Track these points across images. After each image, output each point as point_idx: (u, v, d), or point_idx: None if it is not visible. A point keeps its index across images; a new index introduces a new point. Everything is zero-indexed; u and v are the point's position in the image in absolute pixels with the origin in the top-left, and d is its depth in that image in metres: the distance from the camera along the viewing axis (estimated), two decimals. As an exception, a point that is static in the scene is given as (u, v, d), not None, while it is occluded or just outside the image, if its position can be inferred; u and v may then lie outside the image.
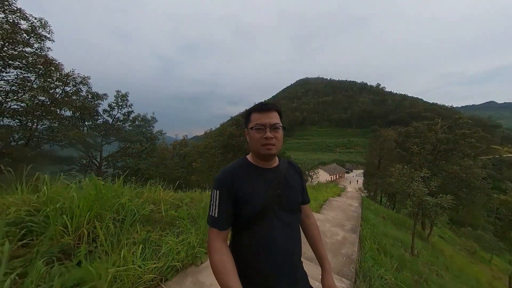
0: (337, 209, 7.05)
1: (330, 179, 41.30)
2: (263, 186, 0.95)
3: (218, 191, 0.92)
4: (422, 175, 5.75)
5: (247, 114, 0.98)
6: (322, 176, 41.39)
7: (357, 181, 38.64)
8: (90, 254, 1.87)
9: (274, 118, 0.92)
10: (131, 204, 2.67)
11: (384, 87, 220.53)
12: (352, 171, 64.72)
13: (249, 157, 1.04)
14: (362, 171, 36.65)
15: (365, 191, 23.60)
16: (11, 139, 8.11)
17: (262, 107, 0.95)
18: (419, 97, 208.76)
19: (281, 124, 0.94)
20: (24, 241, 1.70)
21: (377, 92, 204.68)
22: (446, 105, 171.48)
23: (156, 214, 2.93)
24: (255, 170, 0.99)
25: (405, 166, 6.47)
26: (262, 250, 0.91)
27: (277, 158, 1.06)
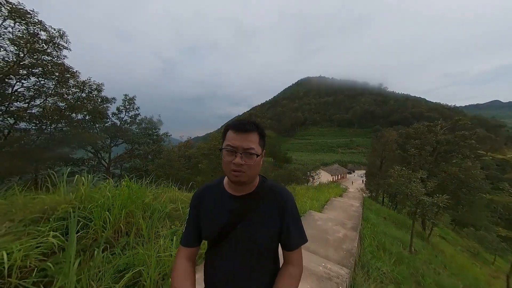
0: (339, 209, 7.27)
1: (332, 180, 41.41)
2: (223, 214, 0.87)
3: (189, 209, 0.95)
4: (419, 176, 6.04)
5: (225, 130, 0.85)
6: (324, 176, 41.50)
7: (363, 180, 38.59)
8: (127, 245, 2.22)
9: (250, 141, 0.79)
10: (156, 203, 3.05)
11: (386, 87, 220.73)
12: (354, 171, 64.63)
13: (226, 178, 0.94)
14: (364, 171, 36.69)
15: (367, 192, 23.77)
16: (32, 141, 8.66)
17: (239, 127, 0.81)
18: (422, 97, 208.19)
19: (256, 151, 0.79)
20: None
21: (379, 92, 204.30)
22: (450, 104, 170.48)
23: (174, 212, 3.28)
24: (223, 195, 0.91)
25: (403, 168, 6.75)
26: (208, 277, 0.91)
27: (257, 184, 0.92)
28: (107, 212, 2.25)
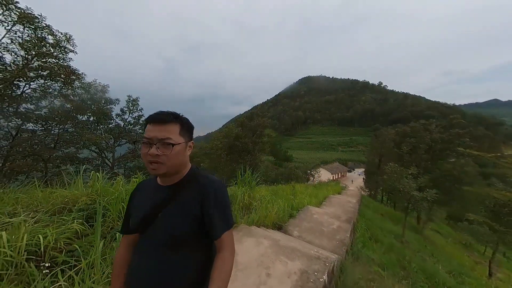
0: (336, 205, 7.54)
1: (332, 178, 41.58)
2: (148, 204, 0.86)
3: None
4: (410, 172, 6.33)
5: (145, 124, 0.84)
6: (324, 175, 41.66)
7: (363, 179, 38.83)
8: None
9: (165, 131, 0.78)
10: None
11: (386, 85, 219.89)
12: (354, 170, 64.85)
13: None
14: (363, 169, 36.81)
15: (366, 190, 24.03)
16: (40, 141, 9.01)
17: (155, 118, 0.80)
18: (421, 95, 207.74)
19: (173, 141, 0.78)
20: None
21: (379, 91, 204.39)
22: (449, 103, 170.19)
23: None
24: (153, 186, 0.91)
25: (396, 164, 7.04)
26: (128, 271, 0.86)
27: (185, 174, 0.89)
28: (122, 204, 2.54)
